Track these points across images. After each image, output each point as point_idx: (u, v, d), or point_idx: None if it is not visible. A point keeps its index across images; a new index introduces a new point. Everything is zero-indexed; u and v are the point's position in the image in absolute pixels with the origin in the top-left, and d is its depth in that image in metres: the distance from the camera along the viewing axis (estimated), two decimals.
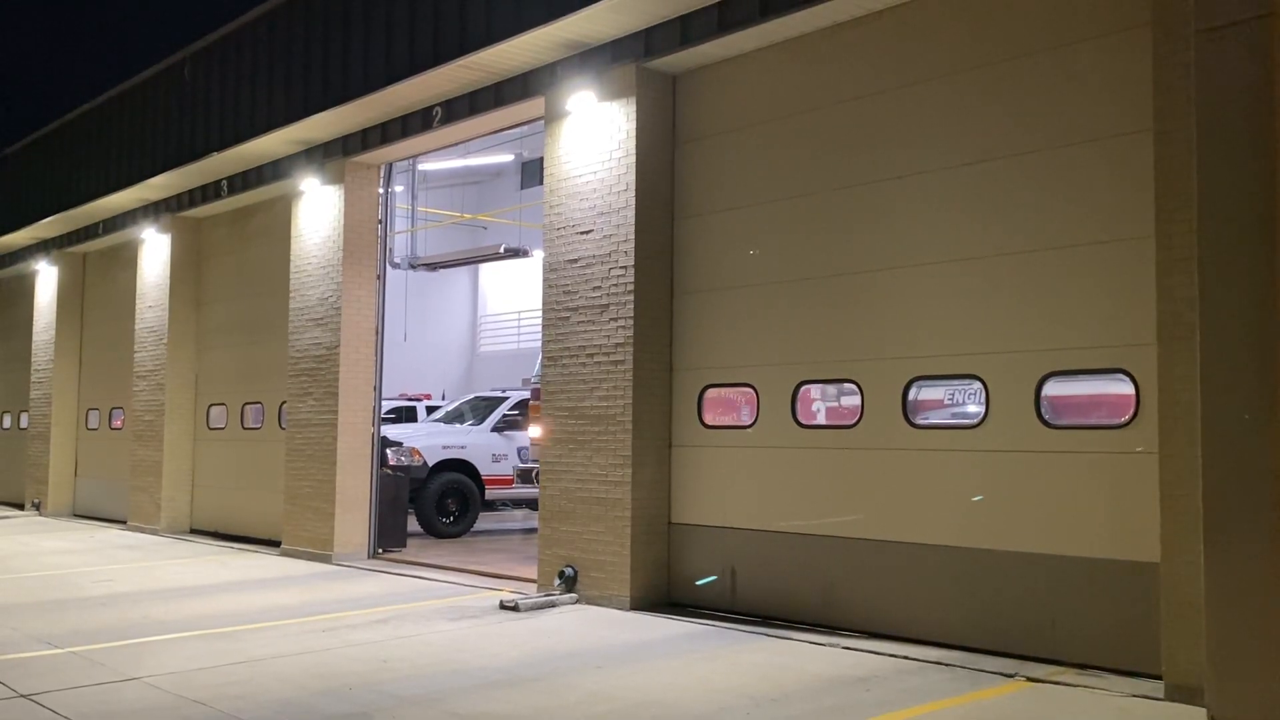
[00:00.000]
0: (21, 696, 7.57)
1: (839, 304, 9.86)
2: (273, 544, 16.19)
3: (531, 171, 21.95)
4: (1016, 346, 8.64)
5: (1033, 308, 8.58)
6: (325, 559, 14.72)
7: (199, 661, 8.66)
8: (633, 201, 10.99)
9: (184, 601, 11.61)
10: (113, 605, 11.32)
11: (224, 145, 16.27)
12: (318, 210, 15.63)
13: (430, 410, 21.86)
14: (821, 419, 10.38)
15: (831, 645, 9.02)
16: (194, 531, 18.88)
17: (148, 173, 18.34)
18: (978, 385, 8.95)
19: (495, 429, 18.29)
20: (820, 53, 10.13)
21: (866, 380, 9.62)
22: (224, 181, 17.76)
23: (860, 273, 9.72)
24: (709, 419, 10.97)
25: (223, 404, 18.65)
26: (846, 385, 10.06)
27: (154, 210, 19.65)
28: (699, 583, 10.83)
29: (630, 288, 10.95)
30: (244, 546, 16.67)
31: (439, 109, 13.44)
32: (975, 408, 9.13)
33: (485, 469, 18.09)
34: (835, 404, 11.35)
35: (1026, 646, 8.37)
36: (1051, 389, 8.51)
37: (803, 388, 10.19)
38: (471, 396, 20.50)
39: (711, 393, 10.98)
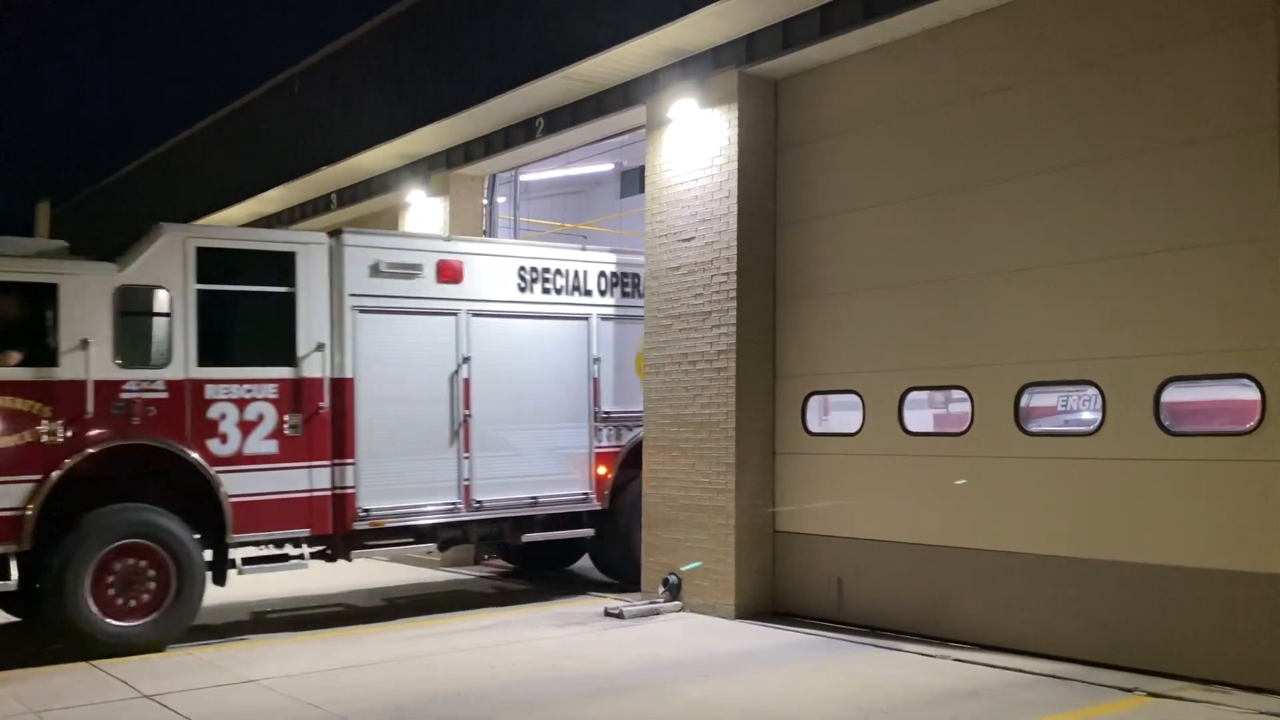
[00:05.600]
0: (145, 697, 7.83)
1: (946, 309, 9.68)
2: None
3: (631, 180, 21.99)
4: (1133, 351, 8.37)
5: (1150, 311, 8.30)
6: (430, 564, 14.92)
7: (313, 664, 8.86)
8: (734, 208, 10.94)
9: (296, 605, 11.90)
10: (228, 608, 11.62)
11: (332, 160, 16.64)
12: (423, 223, 15.88)
13: None
14: (929, 426, 10.20)
15: (941, 657, 8.86)
16: None
17: (260, 187, 18.85)
18: (1093, 391, 8.70)
19: None
20: (924, 55, 9.97)
21: (976, 386, 9.42)
22: (334, 195, 18.19)
23: (967, 277, 9.52)
24: (813, 426, 10.87)
25: None
26: (955, 392, 9.88)
27: (267, 224, 20.18)
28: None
29: (732, 294, 10.90)
30: None
31: (541, 120, 13.56)
32: (1090, 414, 8.89)
33: None
34: (944, 411, 11.16)
35: (1145, 660, 8.10)
36: (1171, 395, 8.24)
37: (910, 394, 10.03)
38: None
39: (815, 399, 10.88)
